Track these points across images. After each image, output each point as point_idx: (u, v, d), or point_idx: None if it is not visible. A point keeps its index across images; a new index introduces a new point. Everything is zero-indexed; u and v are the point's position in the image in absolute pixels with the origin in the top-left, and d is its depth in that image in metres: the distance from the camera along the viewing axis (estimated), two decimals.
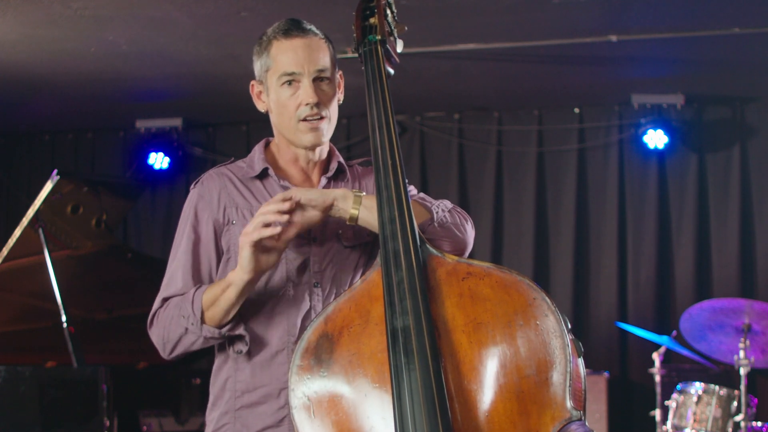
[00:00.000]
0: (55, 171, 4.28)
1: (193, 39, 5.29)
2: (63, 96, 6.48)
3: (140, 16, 4.92)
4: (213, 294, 2.00)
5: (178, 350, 2.08)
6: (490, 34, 5.31)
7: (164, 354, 2.10)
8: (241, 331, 2.04)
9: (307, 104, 2.08)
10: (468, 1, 4.79)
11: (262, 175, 2.16)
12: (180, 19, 4.97)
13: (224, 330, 2.02)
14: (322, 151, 2.19)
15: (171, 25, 5.07)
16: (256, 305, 2.08)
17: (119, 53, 5.52)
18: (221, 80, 6.05)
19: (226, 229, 2.12)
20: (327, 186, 2.18)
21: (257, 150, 2.21)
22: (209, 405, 2.16)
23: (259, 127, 7.02)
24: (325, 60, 2.10)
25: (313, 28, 2.13)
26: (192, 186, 2.19)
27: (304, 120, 2.09)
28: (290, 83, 2.09)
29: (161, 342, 2.09)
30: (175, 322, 2.04)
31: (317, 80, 2.09)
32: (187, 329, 2.03)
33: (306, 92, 2.07)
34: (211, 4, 4.77)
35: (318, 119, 2.09)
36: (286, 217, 1.92)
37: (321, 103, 2.09)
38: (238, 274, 1.95)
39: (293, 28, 2.10)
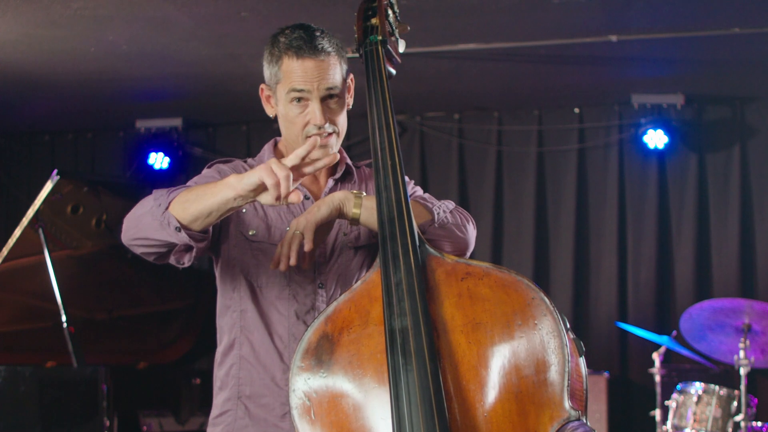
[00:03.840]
0: (55, 171, 4.28)
1: (193, 39, 5.29)
2: (63, 96, 6.48)
3: (140, 16, 4.92)
4: (199, 193, 1.90)
5: (134, 232, 1.98)
6: (490, 34, 5.31)
7: (124, 237, 2.01)
8: (201, 244, 1.94)
9: (315, 125, 2.07)
10: (468, 1, 4.79)
11: None
12: (180, 19, 4.97)
13: (187, 231, 1.90)
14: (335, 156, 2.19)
15: (171, 25, 5.07)
16: (261, 307, 2.09)
17: (119, 53, 5.52)
18: (221, 80, 6.05)
19: (237, 214, 2.11)
20: (334, 187, 2.19)
21: (267, 150, 2.21)
22: (215, 390, 2.17)
23: (259, 127, 7.03)
24: (335, 78, 2.08)
25: (325, 43, 2.07)
26: (207, 167, 2.18)
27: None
28: (299, 100, 2.08)
29: (126, 224, 2.00)
30: (141, 205, 1.96)
31: (326, 98, 2.08)
32: (152, 210, 1.93)
33: (314, 114, 2.07)
34: (211, 4, 4.77)
35: (326, 136, 2.09)
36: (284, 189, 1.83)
37: (329, 122, 2.08)
38: (234, 180, 1.86)
39: (305, 47, 2.05)
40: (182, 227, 1.91)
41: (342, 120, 2.13)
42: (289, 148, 2.17)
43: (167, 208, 1.92)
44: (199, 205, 1.89)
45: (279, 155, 2.20)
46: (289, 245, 1.93)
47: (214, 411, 2.15)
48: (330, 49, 2.08)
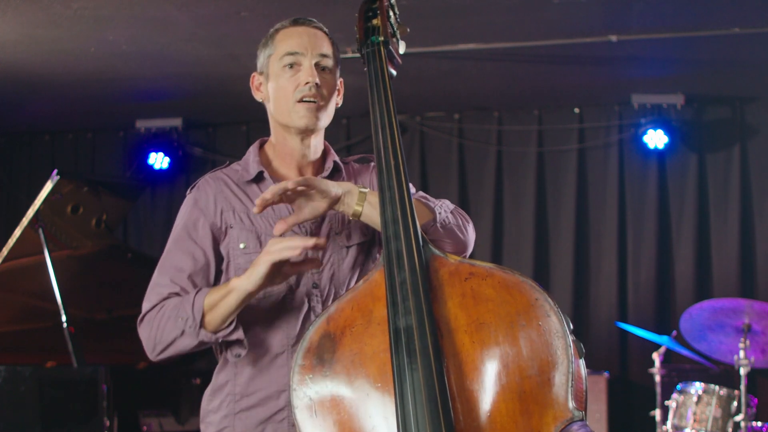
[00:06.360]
0: (55, 171, 4.27)
1: (193, 39, 5.29)
2: (63, 96, 6.48)
3: (140, 16, 4.92)
4: (213, 299, 1.99)
5: (169, 352, 2.06)
6: (490, 34, 5.31)
7: (151, 354, 2.08)
8: (238, 335, 2.02)
9: (306, 83, 2.07)
10: (468, 1, 4.79)
11: (258, 179, 2.15)
12: (180, 19, 4.97)
13: (221, 334, 2.01)
14: (317, 149, 2.18)
15: (171, 25, 5.07)
16: (255, 309, 2.07)
17: (119, 53, 5.52)
18: (221, 80, 6.05)
19: (224, 235, 2.11)
20: None
21: (251, 152, 2.20)
22: (213, 406, 2.14)
23: (259, 127, 7.02)
24: (328, 49, 2.13)
25: (321, 25, 2.16)
26: (188, 191, 2.19)
27: (301, 101, 2.08)
28: (291, 66, 2.10)
29: (151, 342, 2.07)
30: (171, 324, 2.02)
31: (318, 67, 2.10)
32: (183, 331, 2.00)
33: (306, 72, 2.08)
34: (211, 4, 4.77)
35: (314, 101, 2.09)
36: (312, 242, 1.92)
37: (321, 86, 2.09)
38: (243, 283, 1.94)
39: (299, 19, 2.14)
40: (219, 332, 2.01)
41: (331, 97, 2.14)
42: (278, 133, 2.17)
43: (202, 326, 2.00)
44: (218, 315, 1.99)
45: (264, 157, 2.19)
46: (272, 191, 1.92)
47: (210, 429, 2.13)
48: (324, 29, 2.16)
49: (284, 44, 2.11)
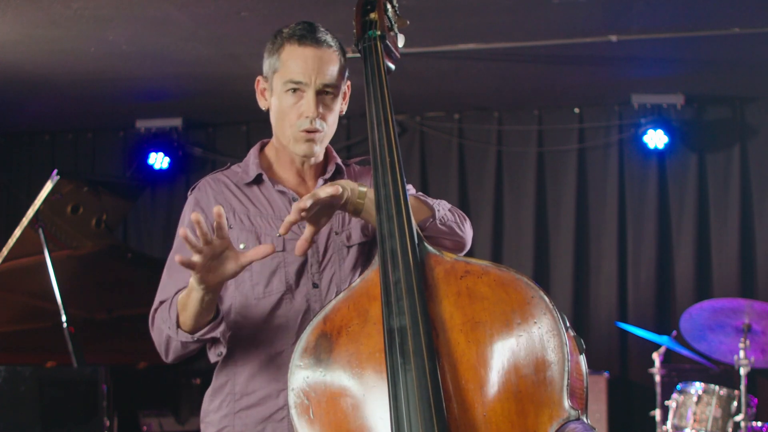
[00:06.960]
0: (55, 171, 4.28)
1: (193, 39, 5.29)
2: (63, 96, 6.48)
3: (140, 16, 4.92)
4: (182, 299, 1.97)
5: (172, 355, 2.06)
6: (490, 34, 5.30)
7: (164, 358, 2.10)
8: (214, 334, 2.01)
9: (307, 117, 2.06)
10: (468, 1, 4.79)
11: (257, 181, 2.15)
12: (180, 19, 4.97)
13: (197, 335, 1.99)
14: (318, 156, 2.18)
15: (171, 25, 5.07)
16: (255, 308, 2.08)
17: (119, 53, 5.52)
18: (221, 80, 6.05)
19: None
20: None
21: (252, 154, 2.20)
22: (214, 406, 2.15)
23: (259, 127, 7.03)
24: (333, 73, 2.08)
25: (329, 38, 2.09)
26: (189, 192, 2.19)
27: (302, 131, 2.08)
28: (294, 91, 2.07)
29: (157, 345, 2.09)
30: (159, 329, 2.05)
31: (321, 93, 2.08)
32: (169, 336, 2.02)
33: (308, 105, 2.06)
34: (211, 4, 4.77)
35: (314, 132, 2.08)
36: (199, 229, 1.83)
37: (321, 118, 2.07)
38: (191, 280, 1.90)
39: (308, 36, 2.07)
40: (195, 332, 2.00)
41: (333, 119, 2.12)
42: (278, 143, 2.17)
43: (179, 327, 2.00)
44: (188, 315, 1.97)
45: (264, 160, 2.19)
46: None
47: (210, 429, 2.13)
48: (332, 43, 2.10)
49: (289, 66, 2.07)
